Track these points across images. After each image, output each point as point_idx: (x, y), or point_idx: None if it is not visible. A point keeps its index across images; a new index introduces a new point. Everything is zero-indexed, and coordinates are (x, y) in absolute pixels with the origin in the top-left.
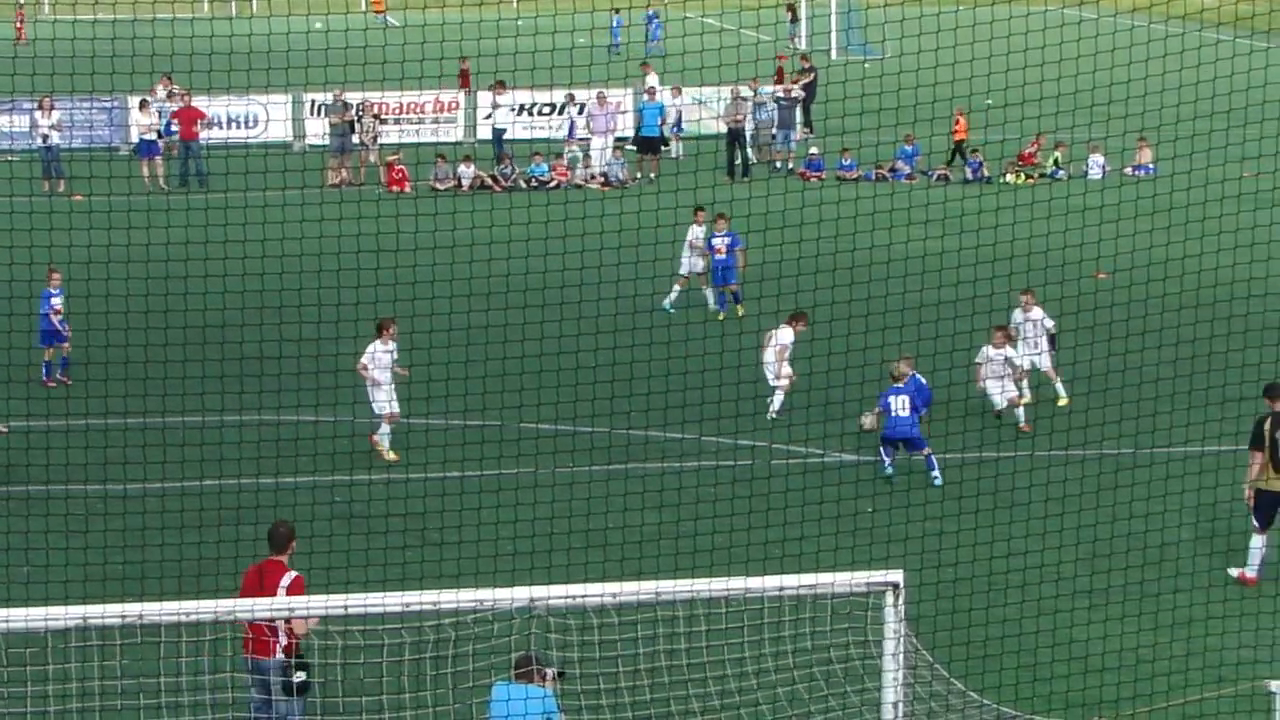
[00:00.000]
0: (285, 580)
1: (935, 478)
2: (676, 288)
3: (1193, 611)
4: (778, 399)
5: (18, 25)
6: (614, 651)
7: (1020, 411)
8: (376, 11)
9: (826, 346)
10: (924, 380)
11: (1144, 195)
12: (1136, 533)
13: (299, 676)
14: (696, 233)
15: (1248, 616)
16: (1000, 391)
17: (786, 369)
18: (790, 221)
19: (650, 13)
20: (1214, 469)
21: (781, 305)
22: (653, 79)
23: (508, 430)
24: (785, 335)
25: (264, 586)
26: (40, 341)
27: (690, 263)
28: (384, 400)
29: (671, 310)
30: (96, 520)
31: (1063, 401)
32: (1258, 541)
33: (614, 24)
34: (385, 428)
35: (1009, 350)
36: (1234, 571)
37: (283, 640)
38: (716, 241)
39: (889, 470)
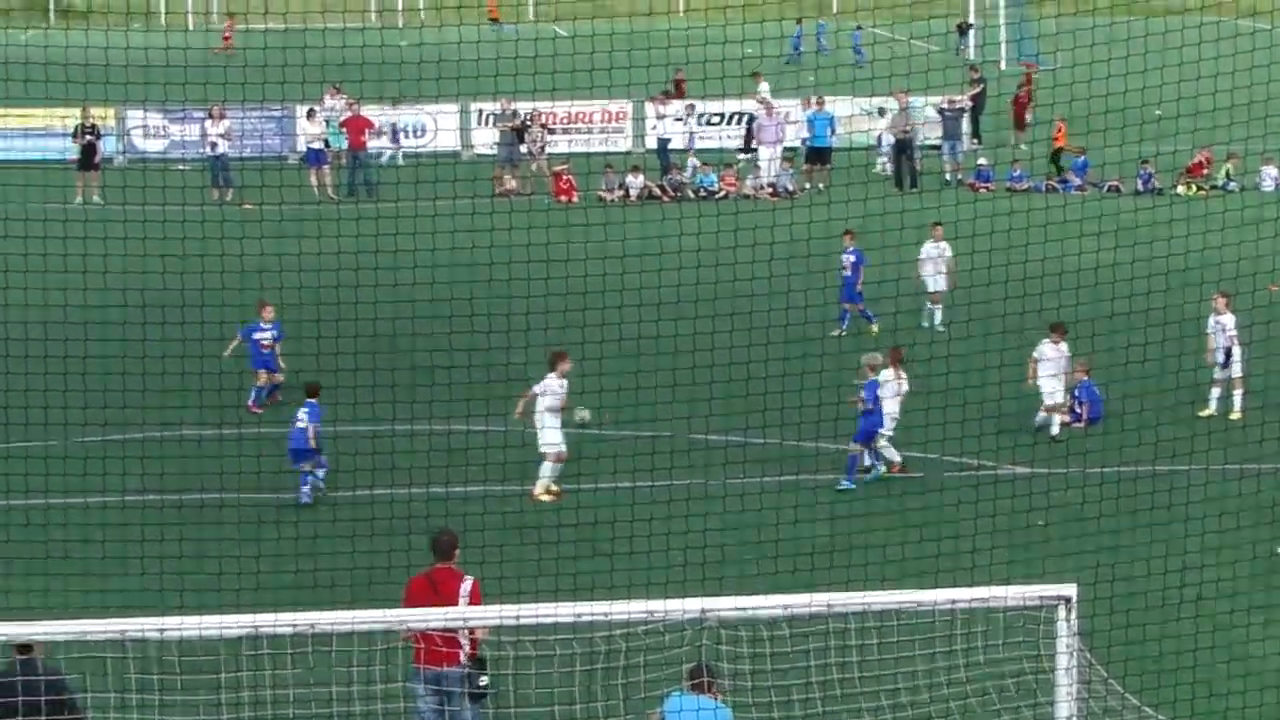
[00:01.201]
0: (464, 587)
1: (845, 481)
2: (930, 305)
3: None
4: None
5: (226, 35)
6: (785, 664)
7: (1056, 419)
8: (492, 19)
9: (999, 358)
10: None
11: None
12: None
13: (483, 681)
14: (930, 250)
15: None
16: (1050, 391)
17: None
18: (961, 233)
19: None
20: None
21: (951, 316)
22: (764, 87)
23: (679, 441)
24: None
25: (440, 594)
26: (252, 364)
27: (935, 280)
28: (554, 442)
29: (941, 328)
30: (268, 529)
31: (1235, 415)
32: None
33: (795, 34)
34: (549, 468)
35: (1064, 348)
36: None
37: (466, 648)
38: (844, 258)
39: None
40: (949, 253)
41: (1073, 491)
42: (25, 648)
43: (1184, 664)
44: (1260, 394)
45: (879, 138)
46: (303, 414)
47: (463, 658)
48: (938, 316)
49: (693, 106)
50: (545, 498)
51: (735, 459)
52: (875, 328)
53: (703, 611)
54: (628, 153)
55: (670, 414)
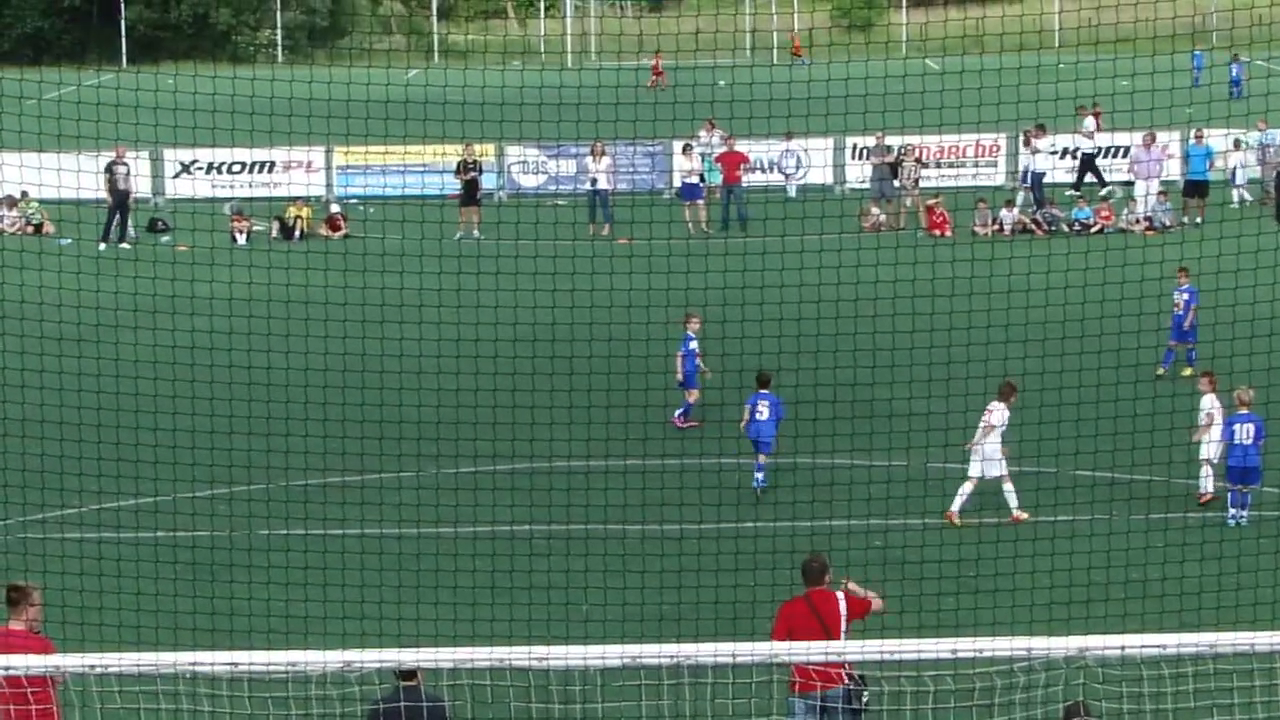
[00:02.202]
0: (841, 604)
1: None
2: None
3: None
4: None
5: (656, 71)
6: (1165, 704)
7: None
8: (794, 54)
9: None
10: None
11: None
12: None
13: (865, 698)
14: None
15: None
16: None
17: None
18: None
19: (1237, 66)
20: None
21: None
22: (1089, 122)
23: (1059, 477)
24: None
25: (821, 615)
26: (683, 384)
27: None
28: (992, 472)
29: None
30: (648, 560)
31: None
32: None
33: (1195, 63)
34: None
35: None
36: None
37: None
38: (1177, 296)
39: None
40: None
41: None
42: (409, 674)
43: None
44: None
45: (1233, 171)
46: (763, 405)
47: (845, 676)
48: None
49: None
50: (1021, 515)
51: (1105, 497)
52: (1189, 370)
53: (1080, 650)
54: (999, 187)
55: (1055, 450)
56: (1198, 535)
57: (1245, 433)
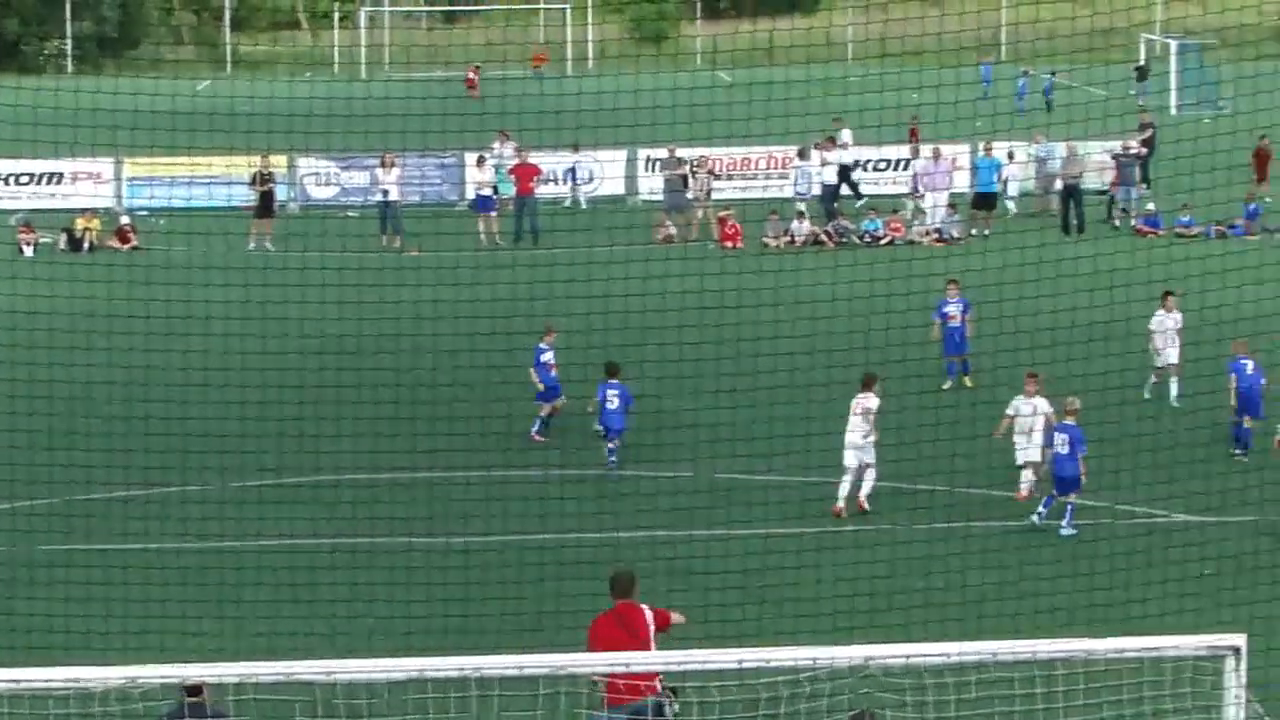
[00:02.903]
0: (648, 617)
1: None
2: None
3: None
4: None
5: (470, 84)
6: (948, 713)
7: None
8: (535, 66)
9: (1165, 406)
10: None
11: None
12: None
13: (676, 708)
14: (1163, 320)
15: None
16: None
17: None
18: (1134, 280)
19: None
20: None
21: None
22: (846, 134)
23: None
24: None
25: (630, 630)
26: (538, 397)
27: (1167, 354)
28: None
29: (1177, 403)
30: (435, 573)
31: None
32: None
33: (984, 75)
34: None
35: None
36: None
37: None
38: (950, 309)
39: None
40: (1182, 323)
41: (1244, 541)
42: (195, 690)
43: None
44: None
45: (1004, 183)
46: (612, 395)
47: (658, 686)
48: (1174, 389)
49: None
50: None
51: (899, 506)
52: (969, 380)
53: (866, 659)
54: (790, 199)
55: (835, 460)
56: (980, 544)
57: (1062, 442)
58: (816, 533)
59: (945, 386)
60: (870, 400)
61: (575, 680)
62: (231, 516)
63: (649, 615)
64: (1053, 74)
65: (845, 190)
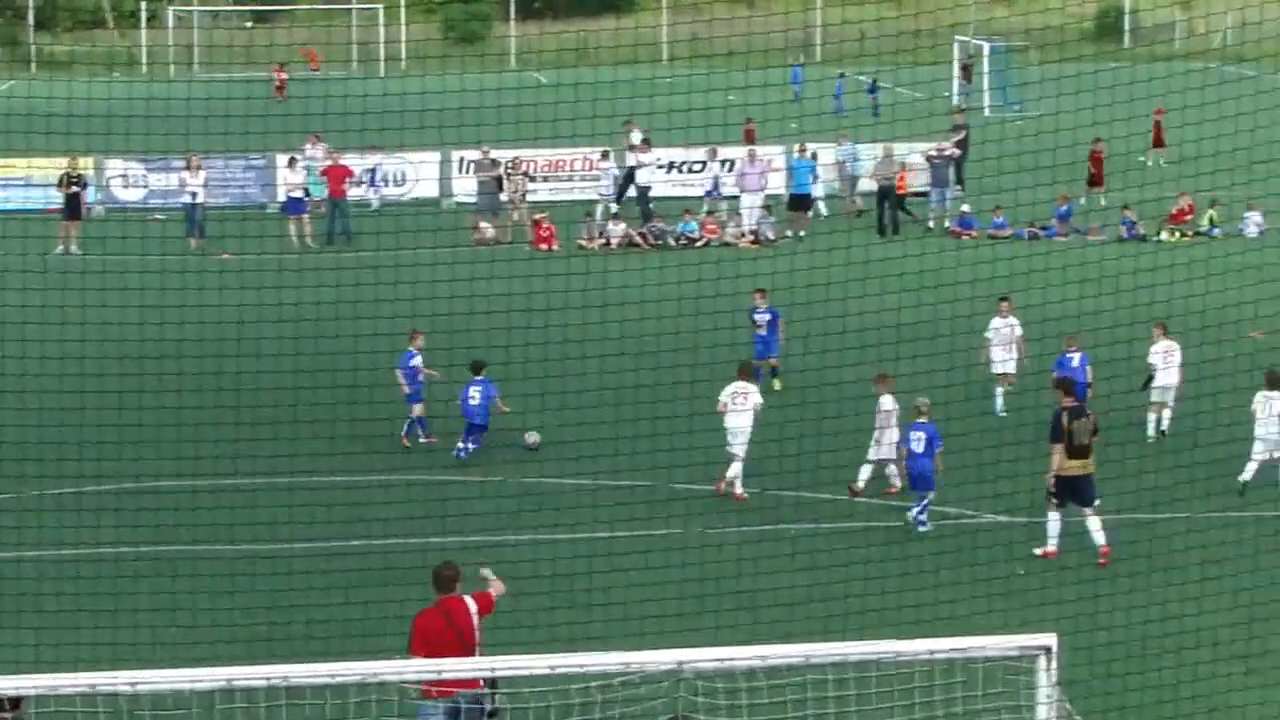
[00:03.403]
0: (472, 605)
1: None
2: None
3: None
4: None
5: (279, 85)
6: (763, 715)
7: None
8: (313, 67)
9: (979, 406)
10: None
11: None
12: None
13: (495, 700)
14: (1000, 328)
15: None
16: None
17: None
18: (944, 280)
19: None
20: None
21: (934, 365)
22: (636, 135)
23: (657, 490)
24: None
25: (455, 624)
26: (408, 400)
27: (1004, 363)
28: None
29: (1003, 413)
30: (243, 580)
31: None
32: (1055, 518)
33: (794, 78)
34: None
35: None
36: (1037, 550)
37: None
38: (759, 317)
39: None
40: (1019, 330)
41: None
42: (15, 703)
43: (1165, 714)
44: (1243, 442)
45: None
46: (475, 391)
47: (479, 681)
48: (999, 401)
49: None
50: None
51: (713, 509)
52: (778, 383)
53: (679, 663)
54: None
55: (650, 463)
56: (794, 545)
57: (918, 440)
58: (629, 536)
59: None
60: (746, 387)
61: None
62: (33, 525)
63: (472, 605)
64: (875, 77)
65: (632, 191)
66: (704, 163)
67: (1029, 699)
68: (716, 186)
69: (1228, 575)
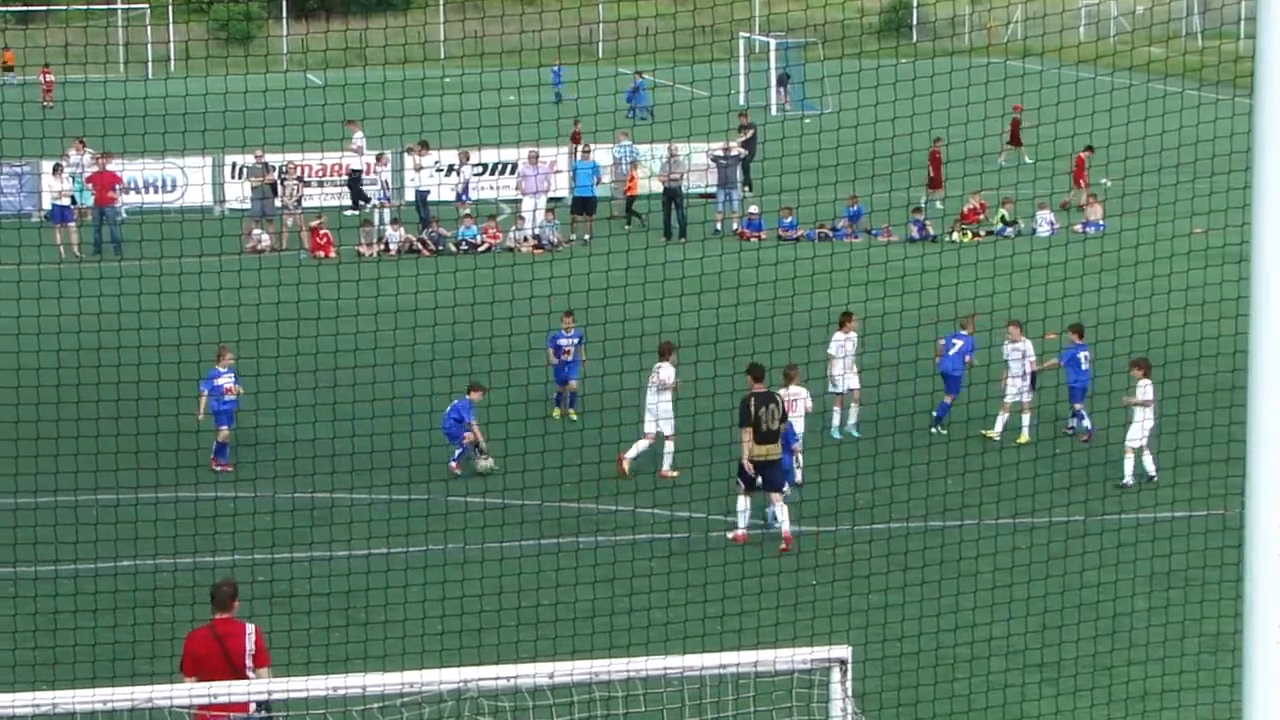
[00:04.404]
0: (249, 637)
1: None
2: (838, 408)
3: (1147, 685)
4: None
5: (45, 86)
6: None
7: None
8: (6, 68)
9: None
10: None
11: (1093, 253)
12: (1090, 603)
13: None
14: (841, 344)
15: (1203, 690)
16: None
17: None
18: (728, 284)
19: (639, 81)
20: (1168, 536)
21: (719, 370)
22: (358, 136)
23: (437, 504)
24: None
25: (226, 647)
26: (215, 422)
27: (845, 379)
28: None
29: (855, 433)
30: (6, 604)
31: (1024, 439)
32: (743, 504)
33: (555, 78)
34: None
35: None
36: (730, 535)
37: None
38: (564, 342)
39: None
40: (852, 348)
41: (844, 550)
42: None
43: None
44: (1032, 446)
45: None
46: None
47: (252, 706)
48: (852, 418)
49: (468, 155)
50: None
51: (495, 522)
52: (566, 412)
53: (464, 681)
54: (385, 205)
55: (428, 475)
56: (590, 558)
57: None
58: (419, 551)
59: (557, 414)
60: (665, 371)
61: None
62: None
63: (251, 639)
64: (639, 74)
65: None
66: (454, 166)
67: (824, 712)
68: (466, 190)
69: (1020, 583)
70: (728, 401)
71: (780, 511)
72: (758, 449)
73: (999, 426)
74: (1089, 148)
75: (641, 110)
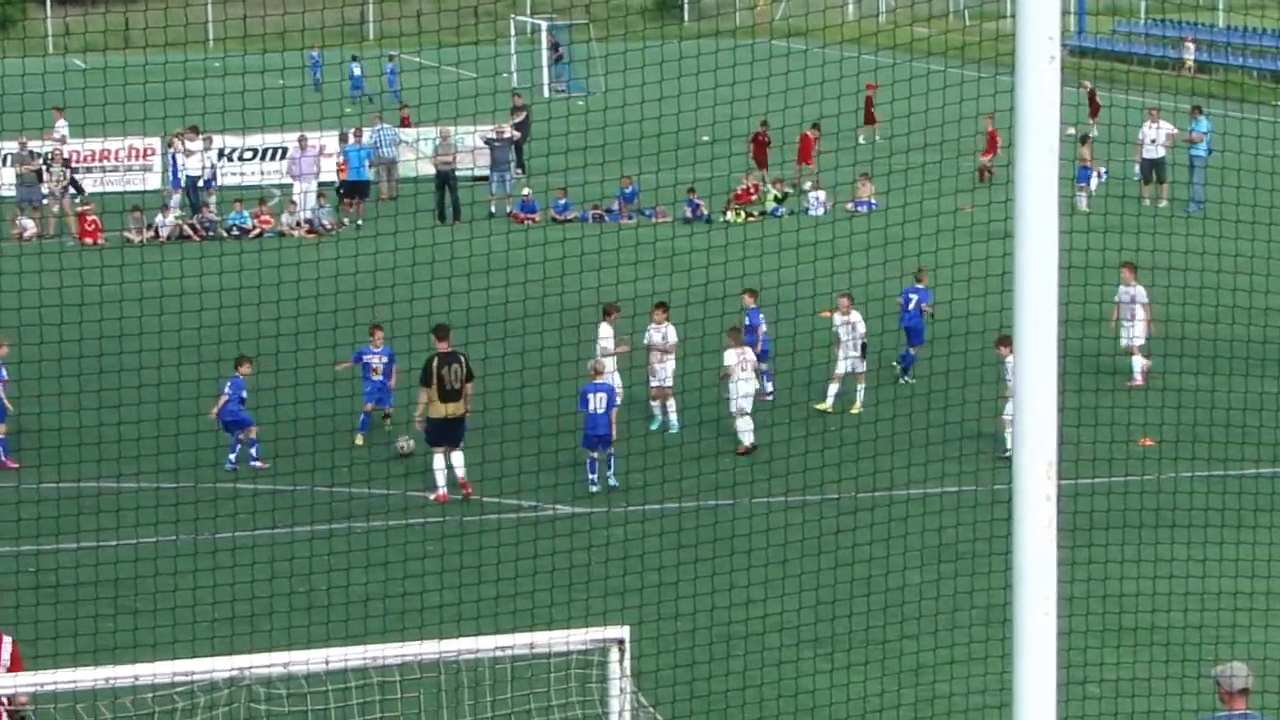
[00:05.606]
0: (4, 650)
1: (611, 478)
2: (656, 402)
3: (921, 658)
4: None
5: None
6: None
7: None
8: None
9: (538, 394)
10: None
11: (859, 230)
12: (863, 578)
13: None
14: (654, 335)
15: (976, 661)
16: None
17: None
18: (498, 265)
19: (391, 65)
20: (938, 510)
21: (489, 351)
22: (61, 124)
23: (206, 490)
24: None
25: None
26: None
27: (663, 371)
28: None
29: (675, 430)
30: None
31: (856, 409)
32: (439, 463)
33: (313, 62)
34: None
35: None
36: (431, 495)
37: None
38: (372, 359)
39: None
40: (673, 337)
41: (620, 530)
42: None
43: (740, 701)
44: (803, 423)
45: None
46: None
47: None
48: (673, 418)
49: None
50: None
51: (267, 507)
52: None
53: (239, 669)
54: (158, 191)
55: (195, 461)
56: (362, 542)
57: (599, 402)
58: (189, 539)
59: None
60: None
61: None
62: None
63: (6, 649)
64: (391, 57)
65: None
66: (267, 150)
67: (604, 692)
68: (215, 176)
69: (795, 559)
70: (499, 383)
71: (457, 460)
72: (441, 407)
73: (829, 399)
74: (815, 125)
75: (357, 94)
